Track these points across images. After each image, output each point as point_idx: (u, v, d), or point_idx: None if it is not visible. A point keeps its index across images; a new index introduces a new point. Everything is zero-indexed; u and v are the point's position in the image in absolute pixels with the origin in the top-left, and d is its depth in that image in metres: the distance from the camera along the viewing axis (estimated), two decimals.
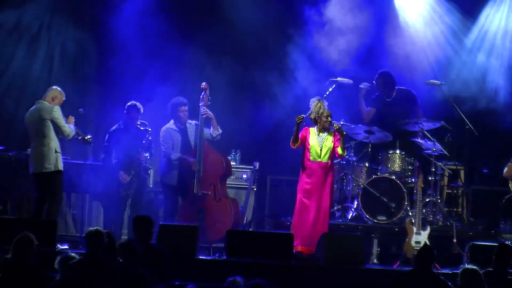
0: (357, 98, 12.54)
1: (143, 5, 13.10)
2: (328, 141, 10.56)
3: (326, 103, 10.65)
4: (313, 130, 10.62)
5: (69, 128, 10.57)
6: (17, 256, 7.14)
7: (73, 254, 7.38)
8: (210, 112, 11.47)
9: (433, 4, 13.44)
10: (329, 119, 10.52)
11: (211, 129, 11.55)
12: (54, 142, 10.48)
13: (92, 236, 7.37)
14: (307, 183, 10.51)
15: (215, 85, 12.49)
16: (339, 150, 10.52)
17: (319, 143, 10.55)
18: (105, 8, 13.09)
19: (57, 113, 10.50)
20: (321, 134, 10.57)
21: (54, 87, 10.77)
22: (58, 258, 7.32)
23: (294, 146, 10.55)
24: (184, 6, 13.39)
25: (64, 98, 10.71)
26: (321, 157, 10.53)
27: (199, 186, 11.34)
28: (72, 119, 10.73)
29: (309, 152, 10.53)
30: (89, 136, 10.92)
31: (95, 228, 7.49)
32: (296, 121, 10.38)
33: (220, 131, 11.60)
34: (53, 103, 10.56)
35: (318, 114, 10.56)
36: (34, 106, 10.68)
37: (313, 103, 10.61)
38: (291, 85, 13.10)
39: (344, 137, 10.54)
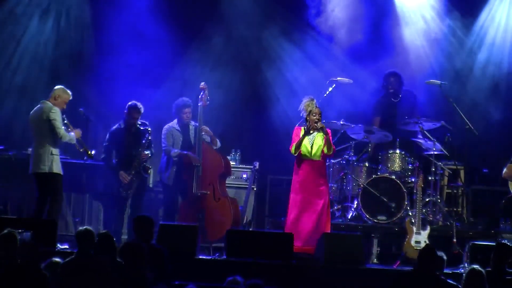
0: (356, 96, 12.58)
1: (144, 7, 13.10)
2: (318, 139, 10.52)
3: (314, 100, 10.61)
4: (304, 129, 10.59)
5: (65, 132, 10.41)
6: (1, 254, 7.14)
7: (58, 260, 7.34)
8: (209, 131, 11.47)
9: (433, 3, 13.43)
10: (317, 116, 10.48)
11: (209, 140, 11.57)
12: (52, 144, 10.43)
13: (82, 235, 7.40)
14: (298, 181, 10.51)
15: (215, 85, 12.49)
16: (325, 149, 10.50)
17: (310, 141, 10.52)
18: (107, 8, 13.11)
19: (55, 114, 10.41)
20: (311, 132, 10.54)
21: (58, 86, 10.70)
22: (43, 264, 7.27)
23: (294, 152, 10.52)
24: (185, 7, 13.39)
25: (69, 98, 10.57)
26: (312, 155, 10.50)
27: (198, 185, 11.33)
28: (79, 133, 10.67)
29: (301, 150, 10.52)
30: (92, 152, 10.83)
31: (84, 227, 7.52)
32: (309, 127, 10.37)
33: (219, 145, 11.60)
34: (56, 102, 10.49)
35: (307, 112, 10.53)
36: (38, 106, 10.64)
37: (304, 102, 10.60)
38: (291, 85, 13.10)
39: (328, 136, 10.51)
